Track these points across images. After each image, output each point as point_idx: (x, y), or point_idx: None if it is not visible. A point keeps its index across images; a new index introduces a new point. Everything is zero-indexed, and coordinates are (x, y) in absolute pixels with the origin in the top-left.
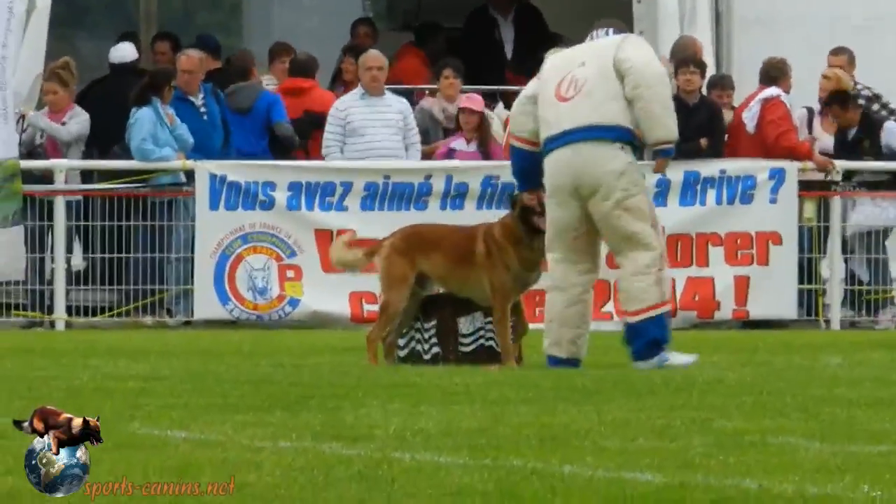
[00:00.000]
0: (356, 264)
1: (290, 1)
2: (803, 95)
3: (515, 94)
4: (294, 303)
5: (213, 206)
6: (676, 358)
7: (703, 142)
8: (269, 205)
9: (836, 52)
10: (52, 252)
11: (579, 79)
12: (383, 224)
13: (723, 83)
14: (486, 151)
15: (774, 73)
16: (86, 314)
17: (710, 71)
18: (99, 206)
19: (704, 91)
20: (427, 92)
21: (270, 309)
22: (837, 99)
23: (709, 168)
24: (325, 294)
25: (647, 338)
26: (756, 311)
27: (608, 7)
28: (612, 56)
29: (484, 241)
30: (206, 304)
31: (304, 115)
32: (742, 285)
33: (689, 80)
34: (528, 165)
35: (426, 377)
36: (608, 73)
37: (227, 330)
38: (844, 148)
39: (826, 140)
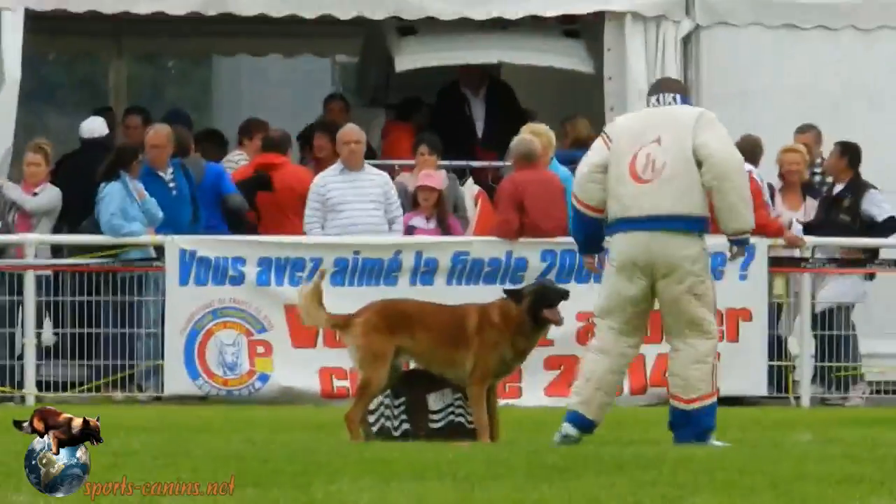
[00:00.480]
0: (317, 323)
1: (259, 76)
2: (774, 172)
3: (485, 170)
4: (264, 378)
5: (183, 281)
6: (718, 446)
7: None
8: (239, 280)
9: (803, 129)
10: (21, 327)
11: (657, 160)
12: (354, 300)
13: None
14: (445, 228)
15: (751, 150)
16: (56, 389)
17: None
18: (69, 280)
19: None
20: (397, 167)
21: (240, 385)
22: (843, 146)
23: None
24: (295, 370)
25: (698, 427)
26: (726, 387)
27: (580, 83)
28: (690, 138)
29: (478, 320)
30: (176, 380)
31: (255, 173)
32: None
33: None
34: (594, 232)
35: (397, 452)
36: (688, 158)
37: (197, 405)
38: (826, 201)
39: (787, 216)
